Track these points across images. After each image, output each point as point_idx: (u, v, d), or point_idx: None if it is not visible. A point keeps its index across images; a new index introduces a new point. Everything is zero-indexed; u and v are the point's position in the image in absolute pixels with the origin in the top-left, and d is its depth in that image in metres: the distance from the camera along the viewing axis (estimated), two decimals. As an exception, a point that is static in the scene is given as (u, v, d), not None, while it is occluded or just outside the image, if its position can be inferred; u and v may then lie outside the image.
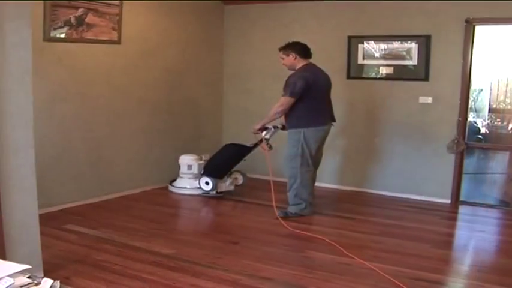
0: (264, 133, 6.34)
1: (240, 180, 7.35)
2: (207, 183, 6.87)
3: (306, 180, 6.04)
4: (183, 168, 7.20)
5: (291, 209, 6.09)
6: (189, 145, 7.80)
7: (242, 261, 4.63)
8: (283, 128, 6.25)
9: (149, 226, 5.60)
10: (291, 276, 4.32)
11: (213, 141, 8.30)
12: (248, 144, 6.79)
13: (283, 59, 6.06)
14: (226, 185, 7.02)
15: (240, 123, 8.22)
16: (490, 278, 4.34)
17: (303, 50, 6.01)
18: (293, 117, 5.95)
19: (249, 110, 8.12)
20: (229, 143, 7.21)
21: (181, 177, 7.24)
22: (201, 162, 7.15)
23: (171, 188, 7.22)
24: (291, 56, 5.99)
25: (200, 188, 6.95)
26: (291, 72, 6.01)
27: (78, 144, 6.30)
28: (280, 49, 6.09)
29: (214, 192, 6.88)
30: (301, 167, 5.97)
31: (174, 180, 7.32)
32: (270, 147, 6.40)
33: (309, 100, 5.83)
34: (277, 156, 6.47)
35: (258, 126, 6.22)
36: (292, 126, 6.00)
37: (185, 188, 7.13)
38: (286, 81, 5.90)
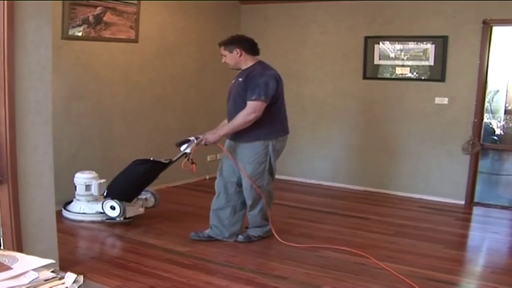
0: (184, 146, 5.09)
1: (151, 202, 6.04)
2: (112, 207, 5.54)
3: (270, 199, 5.25)
4: (80, 189, 5.76)
5: (255, 232, 5.23)
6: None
7: (257, 260, 4.66)
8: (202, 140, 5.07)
9: (164, 224, 5.64)
10: (305, 275, 4.34)
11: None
12: (162, 159, 5.57)
13: (225, 56, 5.07)
14: (136, 208, 5.77)
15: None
16: (503, 279, 4.33)
17: (249, 46, 5.04)
18: (255, 126, 4.84)
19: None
20: (139, 158, 5.76)
21: (77, 200, 5.82)
22: (102, 181, 5.80)
23: (65, 214, 5.78)
24: (235, 52, 4.97)
25: (103, 213, 5.63)
26: (257, 72, 4.93)
27: (95, 141, 6.36)
28: (221, 44, 5.11)
29: (121, 218, 5.57)
30: (268, 185, 5.11)
31: (68, 203, 5.92)
32: (193, 163, 5.09)
33: (277, 105, 4.96)
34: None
35: (212, 138, 4.98)
36: (256, 138, 4.92)
37: (83, 213, 5.73)
38: (251, 81, 4.82)
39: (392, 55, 7.16)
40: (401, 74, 7.17)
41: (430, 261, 4.71)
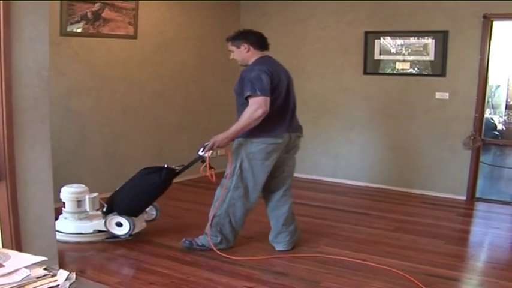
0: (201, 150, 4.79)
1: (153, 215, 5.41)
2: (119, 224, 4.88)
3: (234, 216, 4.76)
4: (70, 206, 4.97)
5: (200, 240, 4.85)
6: (204, 140, 7.77)
7: (257, 256, 4.64)
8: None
9: (164, 220, 5.62)
10: (305, 271, 4.33)
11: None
12: (175, 166, 5.06)
13: (232, 51, 4.79)
14: (141, 223, 5.13)
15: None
16: (505, 274, 4.32)
17: (257, 40, 4.73)
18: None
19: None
20: (146, 166, 5.15)
21: (66, 219, 5.00)
22: (94, 195, 5.12)
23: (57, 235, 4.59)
24: (242, 47, 4.68)
25: (103, 231, 4.96)
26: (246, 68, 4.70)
27: (95, 138, 6.35)
28: (228, 39, 4.79)
29: (127, 235, 4.93)
30: (236, 197, 4.67)
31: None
32: (211, 167, 4.69)
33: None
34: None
35: (222, 141, 4.66)
36: (241, 136, 4.64)
37: (76, 234, 4.94)
38: (243, 78, 4.54)
39: (393, 50, 7.14)
40: (402, 69, 7.15)
41: (431, 257, 4.69)
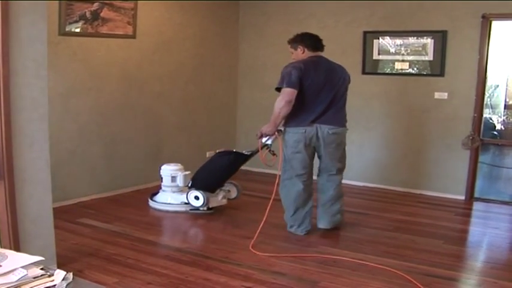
0: (265, 138, 5.37)
1: (234, 193, 6.30)
2: (196, 197, 5.87)
3: (286, 196, 5.42)
4: (166, 180, 6.14)
5: None
6: (203, 139, 7.83)
7: (255, 256, 4.64)
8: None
9: (163, 221, 5.63)
10: (303, 271, 4.32)
11: (227, 135, 8.33)
12: (245, 151, 6.00)
13: (292, 53, 5.36)
14: (219, 199, 6.05)
15: (254, 118, 8.22)
16: (503, 274, 4.32)
17: (312, 43, 5.29)
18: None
19: (263, 105, 8.11)
20: (221, 150, 6.25)
21: (163, 191, 6.22)
22: (187, 173, 6.15)
23: (151, 204, 6.20)
24: (299, 49, 5.26)
25: (188, 203, 5.96)
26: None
27: (93, 138, 6.34)
28: (289, 42, 5.40)
29: (205, 208, 5.92)
30: (285, 179, 5.31)
31: (155, 194, 6.32)
32: (274, 154, 5.47)
33: (299, 95, 5.02)
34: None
35: (267, 129, 5.21)
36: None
37: (168, 203, 6.09)
38: (281, 74, 5.11)
39: (392, 50, 7.14)
40: (401, 69, 7.15)
41: (430, 257, 4.69)
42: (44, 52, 3.80)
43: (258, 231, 5.06)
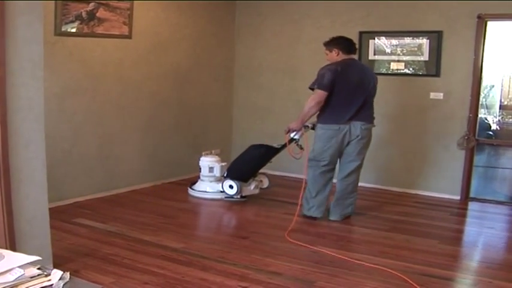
0: (293, 133, 5.93)
1: (266, 184, 6.91)
2: (230, 186, 6.47)
3: (312, 185, 5.90)
4: (204, 171, 6.76)
5: None
6: (199, 139, 7.83)
7: (251, 256, 4.64)
8: (314, 127, 5.86)
9: (159, 220, 5.62)
10: (299, 271, 4.33)
11: (223, 136, 8.33)
12: (275, 145, 6.45)
13: (327, 54, 5.70)
14: (251, 188, 6.60)
15: (250, 118, 8.24)
16: (498, 274, 4.33)
17: (346, 46, 5.65)
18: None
19: (259, 106, 8.14)
20: (256, 143, 6.68)
21: (202, 180, 6.83)
22: (224, 164, 6.78)
23: (191, 192, 6.80)
24: (333, 52, 5.63)
25: (223, 191, 6.54)
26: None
27: (89, 138, 6.33)
28: (324, 44, 5.73)
29: (238, 196, 6.47)
30: (312, 170, 5.79)
31: (194, 183, 6.91)
32: (301, 148, 6.03)
33: (332, 95, 5.47)
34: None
35: (294, 125, 5.79)
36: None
37: (206, 191, 6.69)
38: (317, 74, 5.57)
39: (388, 50, 7.16)
40: (397, 70, 7.16)
41: (426, 257, 4.70)
42: (40, 52, 3.79)
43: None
